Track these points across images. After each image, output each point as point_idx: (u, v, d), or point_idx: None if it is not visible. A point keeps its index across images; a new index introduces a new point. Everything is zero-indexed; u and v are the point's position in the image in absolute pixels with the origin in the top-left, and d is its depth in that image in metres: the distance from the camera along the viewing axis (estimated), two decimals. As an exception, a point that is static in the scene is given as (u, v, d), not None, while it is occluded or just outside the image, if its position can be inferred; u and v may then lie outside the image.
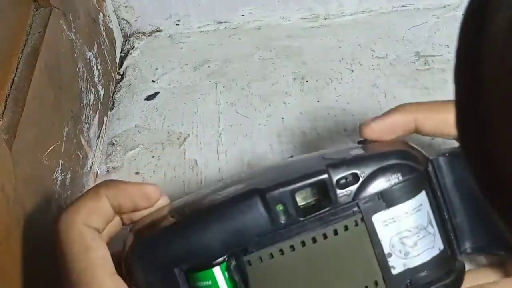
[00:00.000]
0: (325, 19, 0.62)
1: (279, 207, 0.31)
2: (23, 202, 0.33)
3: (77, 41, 0.47)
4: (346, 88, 0.54)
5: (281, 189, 0.31)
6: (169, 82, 0.57)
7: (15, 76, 0.37)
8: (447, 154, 0.34)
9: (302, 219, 0.31)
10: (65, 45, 0.44)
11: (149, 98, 0.56)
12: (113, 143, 0.52)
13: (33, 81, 0.37)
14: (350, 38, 0.59)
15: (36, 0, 0.42)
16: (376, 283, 0.32)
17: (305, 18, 0.62)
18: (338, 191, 0.31)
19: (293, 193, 0.31)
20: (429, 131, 0.36)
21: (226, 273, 0.31)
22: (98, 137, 0.50)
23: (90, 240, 0.29)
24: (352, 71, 0.56)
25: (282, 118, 0.52)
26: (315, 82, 0.55)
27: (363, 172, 0.32)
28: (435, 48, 0.57)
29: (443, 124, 0.35)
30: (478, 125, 0.17)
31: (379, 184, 0.32)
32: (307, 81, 0.55)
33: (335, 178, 0.31)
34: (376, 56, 0.57)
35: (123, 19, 0.61)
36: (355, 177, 0.32)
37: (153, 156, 0.50)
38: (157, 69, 0.59)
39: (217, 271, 0.31)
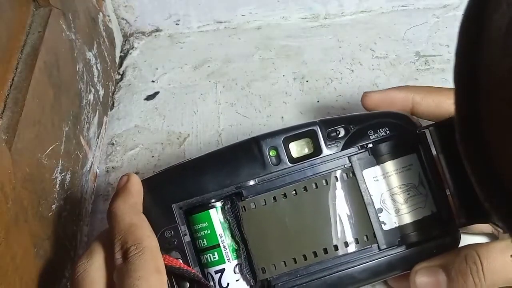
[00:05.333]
0: (325, 19, 0.62)
1: (272, 152, 0.33)
2: (23, 202, 0.33)
3: (77, 40, 0.47)
4: (346, 88, 0.54)
5: (274, 136, 0.34)
6: (169, 82, 0.57)
7: (14, 75, 0.37)
8: (438, 124, 0.34)
9: (292, 165, 0.33)
10: (65, 45, 0.44)
11: (149, 98, 0.56)
12: (113, 143, 0.52)
13: (32, 81, 0.37)
14: (350, 38, 0.59)
15: (35, 0, 0.42)
16: (366, 237, 0.33)
17: (305, 18, 0.62)
18: (328, 142, 0.34)
19: (285, 140, 0.34)
20: (424, 112, 0.38)
21: (221, 216, 0.33)
22: (98, 137, 0.50)
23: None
24: (352, 71, 0.56)
25: (282, 118, 0.52)
26: (315, 82, 0.55)
27: (353, 127, 0.34)
28: (435, 48, 0.57)
29: (438, 106, 0.37)
30: (478, 125, 0.17)
31: (368, 137, 0.34)
32: (307, 81, 0.55)
33: (325, 130, 0.34)
34: (376, 56, 0.57)
35: (122, 18, 0.61)
36: (346, 130, 0.34)
37: (153, 156, 0.50)
38: (157, 69, 0.59)
39: (213, 213, 0.33)
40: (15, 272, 0.31)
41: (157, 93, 0.56)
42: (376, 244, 0.34)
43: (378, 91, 0.39)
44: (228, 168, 0.33)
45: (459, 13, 0.60)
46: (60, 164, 0.40)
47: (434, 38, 0.58)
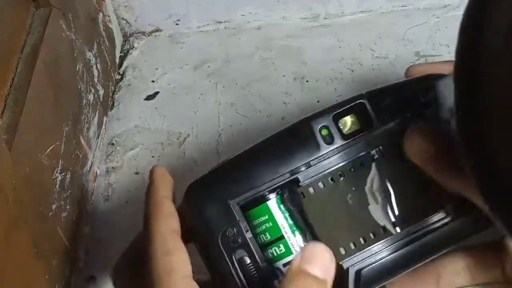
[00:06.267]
0: (325, 19, 0.62)
1: (324, 131, 0.32)
2: (23, 202, 0.33)
3: (77, 40, 0.47)
4: (346, 88, 0.54)
5: (324, 114, 0.32)
6: (169, 82, 0.57)
7: (14, 76, 0.37)
8: None
9: (346, 141, 0.32)
10: (65, 45, 0.44)
11: (149, 98, 0.56)
12: (113, 143, 0.52)
13: (32, 81, 0.37)
14: (350, 38, 0.59)
15: (35, 0, 0.42)
16: (433, 207, 0.31)
17: (305, 18, 0.62)
18: (378, 114, 0.32)
19: (335, 117, 0.32)
20: None
21: (281, 206, 0.32)
22: (98, 137, 0.50)
23: (171, 244, 0.30)
24: (352, 71, 0.56)
25: (282, 118, 0.52)
26: (315, 82, 0.55)
27: (402, 95, 0.32)
28: (435, 48, 0.57)
29: None
30: (478, 125, 0.17)
31: (420, 102, 0.31)
32: (307, 81, 0.55)
33: (374, 102, 0.32)
34: (376, 56, 0.57)
35: (123, 18, 0.61)
36: (395, 99, 0.32)
37: (153, 156, 0.50)
38: (157, 69, 0.59)
39: (271, 204, 0.32)
40: (15, 272, 0.31)
41: (157, 93, 0.56)
42: (444, 211, 0.32)
43: (423, 63, 0.37)
44: (281, 155, 0.32)
45: (459, 13, 0.60)
46: (60, 164, 0.40)
47: (434, 38, 0.58)
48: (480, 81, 0.16)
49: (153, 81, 0.58)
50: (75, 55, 0.46)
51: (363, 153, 0.32)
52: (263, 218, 0.32)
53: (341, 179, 0.32)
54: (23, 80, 0.37)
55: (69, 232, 0.41)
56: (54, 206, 0.38)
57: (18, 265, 0.32)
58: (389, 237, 0.32)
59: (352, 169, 0.32)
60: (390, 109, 0.32)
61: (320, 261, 0.29)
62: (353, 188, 0.32)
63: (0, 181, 0.30)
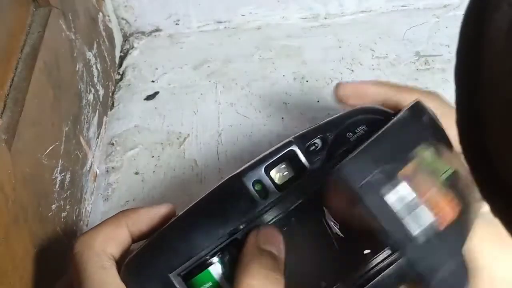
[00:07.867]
0: (325, 19, 0.62)
1: (257, 186, 0.30)
2: (23, 202, 0.33)
3: (77, 40, 0.47)
4: (346, 88, 0.54)
5: (255, 168, 0.30)
6: (169, 82, 0.57)
7: (14, 76, 0.37)
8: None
9: (281, 192, 0.30)
10: (65, 45, 0.44)
11: (149, 98, 0.56)
12: (113, 143, 0.52)
13: (32, 81, 0.37)
14: (350, 38, 0.59)
15: (35, 0, 0.42)
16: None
17: (305, 18, 0.62)
18: (310, 158, 0.31)
19: (267, 169, 0.31)
20: (394, 108, 0.36)
21: (224, 270, 0.30)
22: (98, 137, 0.50)
23: (106, 261, 0.30)
24: (352, 71, 0.56)
25: (282, 118, 0.52)
26: (315, 82, 0.55)
27: (329, 134, 0.32)
28: (435, 48, 0.57)
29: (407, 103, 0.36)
30: (478, 125, 0.17)
31: (348, 140, 0.31)
32: (307, 81, 0.55)
33: (303, 146, 0.31)
34: (376, 56, 0.57)
35: (122, 18, 0.61)
36: (323, 140, 0.31)
37: (152, 156, 0.50)
38: (157, 69, 0.59)
39: (213, 269, 0.30)
40: (15, 272, 0.31)
41: (157, 93, 0.56)
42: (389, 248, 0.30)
43: (351, 82, 0.38)
44: (216, 217, 0.30)
45: (459, 13, 0.60)
46: (60, 164, 0.40)
47: (434, 38, 0.58)
48: (481, 80, 0.16)
49: (153, 81, 0.57)
50: (75, 55, 0.46)
51: (301, 201, 0.31)
52: (207, 285, 0.30)
53: (284, 232, 0.30)
54: (23, 80, 0.37)
55: (69, 232, 0.41)
56: (54, 206, 0.38)
57: (18, 265, 0.32)
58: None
59: (294, 220, 0.31)
60: (321, 152, 0.31)
61: (272, 239, 0.30)
62: (298, 240, 0.30)
63: (0, 181, 0.30)
